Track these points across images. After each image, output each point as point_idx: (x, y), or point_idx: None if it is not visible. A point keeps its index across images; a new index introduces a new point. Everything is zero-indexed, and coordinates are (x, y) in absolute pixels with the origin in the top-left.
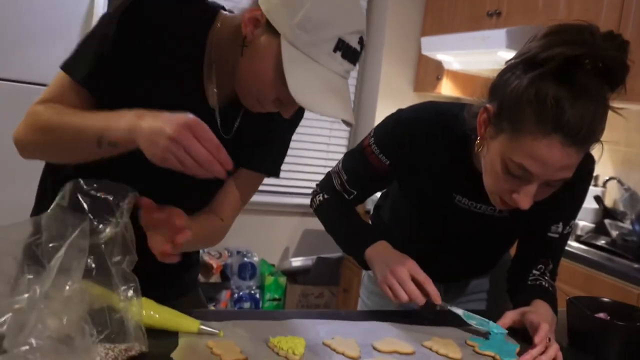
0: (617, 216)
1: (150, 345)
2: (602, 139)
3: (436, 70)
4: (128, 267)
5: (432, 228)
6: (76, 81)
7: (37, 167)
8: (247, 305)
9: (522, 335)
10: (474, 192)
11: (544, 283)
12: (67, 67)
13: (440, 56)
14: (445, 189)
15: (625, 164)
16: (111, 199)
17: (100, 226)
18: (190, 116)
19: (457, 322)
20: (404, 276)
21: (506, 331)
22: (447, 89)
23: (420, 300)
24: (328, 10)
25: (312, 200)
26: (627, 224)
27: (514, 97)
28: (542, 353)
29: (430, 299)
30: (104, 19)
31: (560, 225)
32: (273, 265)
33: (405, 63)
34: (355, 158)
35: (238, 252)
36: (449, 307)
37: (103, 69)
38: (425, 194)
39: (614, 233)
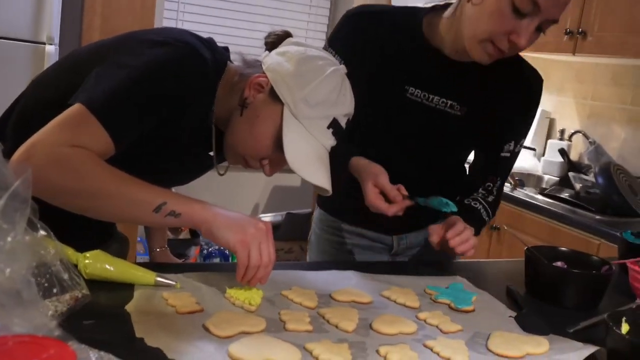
0: (582, 169)
1: (105, 298)
2: (571, 93)
3: None
4: (33, 215)
5: (384, 130)
6: (115, 145)
7: None
8: (217, 260)
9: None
10: (427, 78)
11: (476, 205)
12: (108, 123)
13: None
14: (398, 81)
15: (591, 118)
16: None
17: None
18: (269, 224)
19: (417, 272)
20: (376, 204)
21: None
22: None
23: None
24: (330, 92)
25: None
26: (590, 177)
27: None
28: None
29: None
30: (159, 75)
31: (512, 143)
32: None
33: None
34: None
35: None
36: (414, 201)
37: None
38: (378, 90)
39: (578, 186)
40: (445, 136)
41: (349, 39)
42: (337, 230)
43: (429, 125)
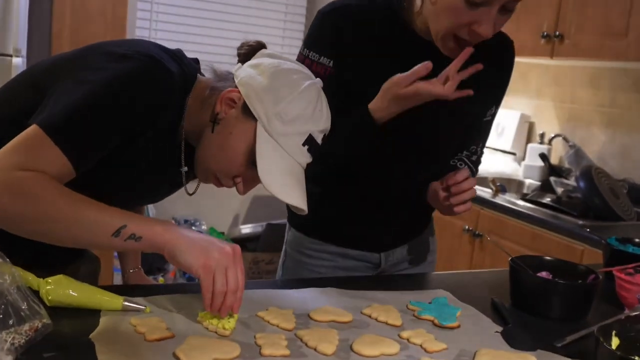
0: (563, 173)
1: (69, 327)
2: (549, 96)
3: None
4: None
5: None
6: (74, 167)
7: None
8: None
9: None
10: (414, 65)
11: (461, 165)
12: (65, 146)
13: None
14: (387, 73)
15: (570, 121)
16: None
17: None
18: (238, 247)
19: (398, 286)
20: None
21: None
22: None
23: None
24: (305, 107)
25: None
26: (572, 181)
27: None
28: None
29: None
30: (120, 91)
31: (494, 107)
32: (223, 233)
33: None
34: None
35: (185, 221)
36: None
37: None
38: (367, 85)
39: (559, 190)
40: (438, 123)
41: (329, 37)
42: (316, 252)
43: (422, 114)
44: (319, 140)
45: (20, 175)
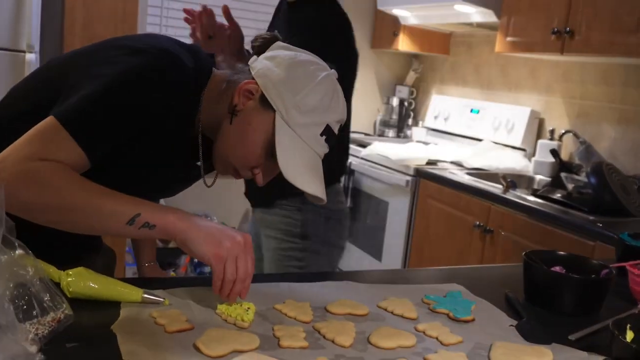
0: (573, 169)
1: (90, 318)
2: (559, 92)
3: (393, 26)
4: (9, 233)
5: None
6: (89, 158)
7: None
8: (207, 269)
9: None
10: None
11: None
12: (80, 136)
13: (396, 11)
14: None
15: (580, 117)
16: None
17: None
18: (248, 236)
19: (413, 280)
20: None
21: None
22: (404, 45)
23: None
24: (322, 98)
25: None
26: (582, 177)
27: None
28: None
29: None
30: (135, 85)
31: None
32: (234, 228)
33: (362, 19)
34: None
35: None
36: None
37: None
38: None
39: (570, 186)
40: None
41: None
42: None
43: None
44: (336, 130)
45: (37, 165)
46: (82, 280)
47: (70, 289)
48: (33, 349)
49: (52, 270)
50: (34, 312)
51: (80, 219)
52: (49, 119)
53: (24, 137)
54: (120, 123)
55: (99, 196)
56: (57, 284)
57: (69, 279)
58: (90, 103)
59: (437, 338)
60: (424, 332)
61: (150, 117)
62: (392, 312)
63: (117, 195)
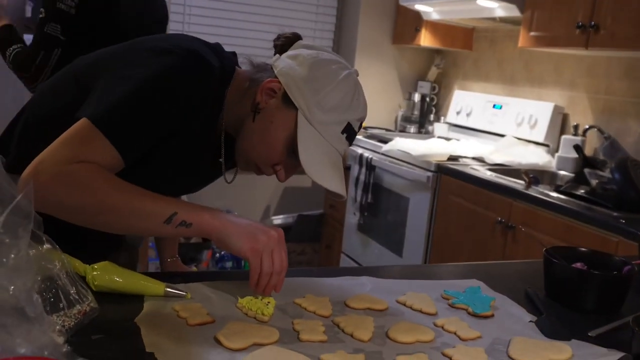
0: (597, 165)
1: (114, 311)
2: (583, 87)
3: (415, 21)
4: (37, 228)
5: None
6: (123, 158)
7: None
8: (229, 264)
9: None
10: None
11: None
12: (115, 137)
13: (418, 6)
14: None
15: (605, 113)
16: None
17: None
18: (281, 231)
19: (432, 275)
20: None
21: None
22: (426, 41)
23: None
24: (343, 96)
25: None
26: (606, 173)
27: None
28: None
29: None
30: (165, 85)
31: None
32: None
33: (384, 15)
34: None
35: None
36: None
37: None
38: None
39: (594, 182)
40: None
41: None
42: None
43: None
44: (357, 128)
45: (75, 167)
46: (107, 274)
47: (96, 283)
48: (60, 340)
49: (78, 264)
50: (61, 305)
51: (118, 219)
52: (83, 121)
53: (60, 139)
54: (153, 123)
55: (136, 197)
56: (83, 278)
57: (94, 273)
58: (123, 104)
59: (455, 333)
60: (442, 327)
61: (180, 117)
62: (411, 307)
63: (154, 195)
